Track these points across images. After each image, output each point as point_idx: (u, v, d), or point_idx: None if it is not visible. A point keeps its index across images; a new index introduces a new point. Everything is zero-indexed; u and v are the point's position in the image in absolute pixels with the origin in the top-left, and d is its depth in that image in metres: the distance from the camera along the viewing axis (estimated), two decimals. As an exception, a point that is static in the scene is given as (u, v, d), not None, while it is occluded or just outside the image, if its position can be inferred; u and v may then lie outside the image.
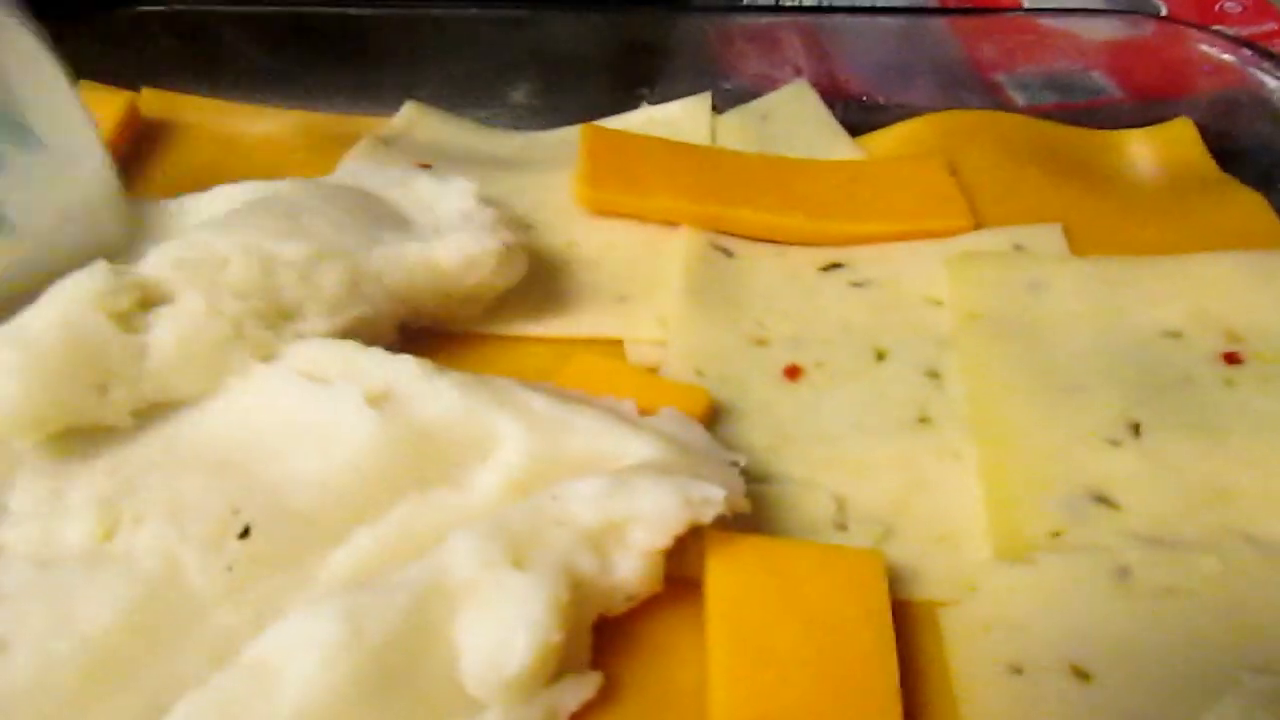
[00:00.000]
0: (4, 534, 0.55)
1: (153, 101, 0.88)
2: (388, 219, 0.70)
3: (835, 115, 0.90)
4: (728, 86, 0.96)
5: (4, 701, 0.48)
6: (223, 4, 0.95)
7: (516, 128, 0.94)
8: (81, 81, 0.88)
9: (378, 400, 0.57)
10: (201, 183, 0.76)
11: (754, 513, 0.59)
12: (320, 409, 0.58)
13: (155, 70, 0.91)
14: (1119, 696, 0.51)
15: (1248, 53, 0.88)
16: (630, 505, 0.52)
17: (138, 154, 0.85)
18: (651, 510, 0.52)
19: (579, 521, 0.52)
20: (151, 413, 0.61)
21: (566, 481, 0.53)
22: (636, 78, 0.99)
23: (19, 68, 0.65)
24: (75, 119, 0.68)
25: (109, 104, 0.84)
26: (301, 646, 0.46)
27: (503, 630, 0.47)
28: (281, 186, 0.70)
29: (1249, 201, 0.79)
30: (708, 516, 0.53)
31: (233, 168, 0.79)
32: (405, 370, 0.59)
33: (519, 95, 0.99)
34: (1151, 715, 0.50)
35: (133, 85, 0.89)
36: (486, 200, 0.72)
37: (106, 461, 0.59)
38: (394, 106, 0.92)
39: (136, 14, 0.92)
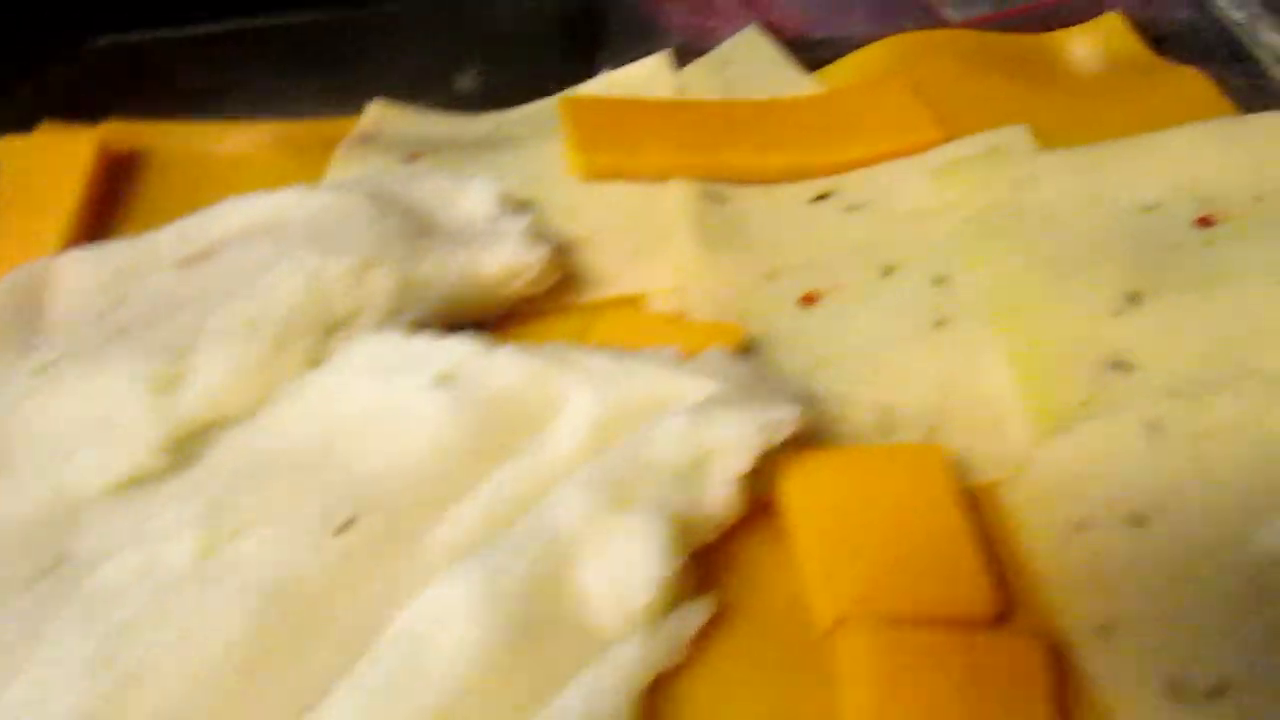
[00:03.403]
0: (100, 573, 0.56)
1: (119, 134, 0.87)
2: (415, 220, 0.71)
3: (779, 57, 0.93)
4: (669, 45, 0.98)
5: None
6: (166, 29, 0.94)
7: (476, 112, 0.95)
8: (46, 122, 0.88)
9: (444, 380, 0.59)
10: (187, 209, 0.77)
11: (806, 432, 0.62)
12: (389, 399, 0.59)
13: (111, 105, 0.90)
14: (1175, 533, 0.56)
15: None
16: (712, 436, 0.55)
17: (114, 191, 0.84)
18: (732, 438, 0.55)
19: (668, 460, 0.55)
20: (208, 435, 0.62)
21: (647, 425, 0.56)
22: (575, 50, 1.01)
23: None
24: None
25: (76, 143, 0.83)
26: (446, 611, 0.49)
27: (626, 568, 0.51)
28: (297, 196, 0.71)
29: (1187, 77, 0.85)
30: (781, 436, 0.56)
31: (216, 189, 0.78)
32: (463, 348, 0.61)
33: (466, 81, 1.00)
34: (1209, 543, 0.55)
35: (94, 122, 0.88)
36: (507, 201, 0.74)
37: (179, 488, 0.60)
38: (354, 108, 0.93)
39: (88, 51, 0.91)
